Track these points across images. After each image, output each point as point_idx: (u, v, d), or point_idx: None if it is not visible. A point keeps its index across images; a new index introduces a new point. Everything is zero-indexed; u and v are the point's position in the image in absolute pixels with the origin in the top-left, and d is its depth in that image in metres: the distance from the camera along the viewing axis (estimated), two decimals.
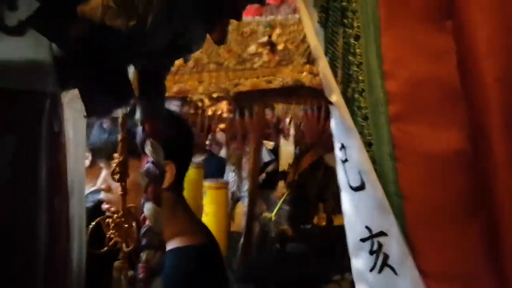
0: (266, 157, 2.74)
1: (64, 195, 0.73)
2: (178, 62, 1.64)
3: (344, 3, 0.82)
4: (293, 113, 1.94)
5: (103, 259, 0.87)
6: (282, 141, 2.54)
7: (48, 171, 0.65)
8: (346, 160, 0.84)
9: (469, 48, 0.77)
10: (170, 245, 1.09)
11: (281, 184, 2.23)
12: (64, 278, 0.74)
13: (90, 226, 0.92)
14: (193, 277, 1.04)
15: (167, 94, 1.65)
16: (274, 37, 1.71)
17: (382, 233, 0.80)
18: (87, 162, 1.58)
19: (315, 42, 0.83)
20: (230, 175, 2.14)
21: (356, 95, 0.82)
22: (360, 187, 0.81)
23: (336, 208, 2.08)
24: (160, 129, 0.69)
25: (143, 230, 0.73)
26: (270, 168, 2.75)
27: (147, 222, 0.71)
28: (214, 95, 2.01)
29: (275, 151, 2.77)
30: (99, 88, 0.63)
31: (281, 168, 2.58)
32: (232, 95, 1.87)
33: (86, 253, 0.82)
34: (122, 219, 0.92)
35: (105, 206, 1.12)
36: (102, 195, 1.18)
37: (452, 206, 0.78)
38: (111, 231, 0.91)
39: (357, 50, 0.81)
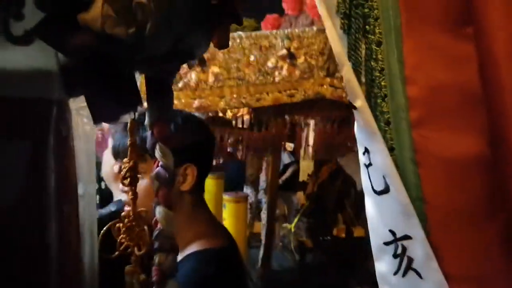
0: (286, 159, 2.73)
1: (74, 200, 0.74)
2: (198, 77, 1.64)
3: (366, 10, 0.83)
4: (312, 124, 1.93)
5: (115, 264, 0.87)
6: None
7: (57, 177, 0.66)
8: (370, 164, 0.86)
9: (488, 52, 0.77)
10: (190, 248, 1.09)
11: (300, 194, 2.22)
12: (77, 283, 0.74)
13: (102, 232, 0.92)
14: (213, 280, 1.04)
15: (188, 110, 1.65)
16: (292, 50, 1.70)
17: (406, 237, 0.82)
18: (116, 168, 1.58)
19: (339, 48, 0.84)
20: (248, 188, 2.13)
21: (379, 100, 0.83)
22: (384, 191, 0.83)
23: (355, 218, 2.08)
24: (169, 133, 0.69)
25: (155, 233, 0.73)
26: (290, 170, 2.74)
27: (158, 225, 0.72)
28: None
29: (295, 153, 2.75)
30: (106, 94, 0.64)
31: (302, 170, 2.57)
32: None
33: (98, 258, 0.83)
34: (133, 223, 0.92)
35: (126, 208, 1.12)
36: (124, 198, 1.18)
37: (472, 209, 0.78)
38: (122, 235, 0.92)
39: (379, 56, 0.83)
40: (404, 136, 0.81)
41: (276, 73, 1.68)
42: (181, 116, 1.12)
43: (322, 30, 1.73)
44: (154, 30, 0.54)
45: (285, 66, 1.69)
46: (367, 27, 0.83)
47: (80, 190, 0.77)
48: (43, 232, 0.65)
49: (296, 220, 2.02)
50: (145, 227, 0.90)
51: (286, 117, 1.95)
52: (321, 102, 1.80)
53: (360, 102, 0.83)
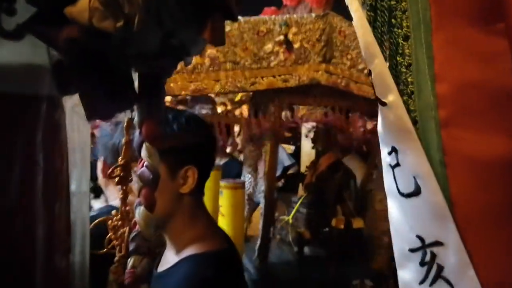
0: (286, 161, 2.72)
1: (65, 198, 0.72)
2: (195, 60, 1.65)
3: (392, 2, 0.79)
4: (313, 114, 1.93)
5: (104, 261, 0.86)
6: (303, 143, 2.53)
7: (46, 174, 0.65)
8: (397, 165, 0.81)
9: None
10: (188, 251, 1.08)
11: (300, 186, 2.21)
12: (66, 281, 0.73)
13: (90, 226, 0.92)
14: (211, 283, 1.03)
15: (184, 93, 1.66)
16: (290, 36, 1.71)
17: (437, 243, 0.76)
18: (100, 165, 1.59)
19: (371, 38, 0.80)
20: (246, 177, 2.12)
21: (405, 98, 0.79)
22: (414, 193, 0.78)
23: (354, 210, 2.05)
24: (157, 133, 0.68)
25: (132, 234, 0.72)
26: (290, 171, 2.73)
27: (137, 227, 0.70)
28: (236, 99, 2.02)
29: (295, 155, 2.75)
30: (99, 91, 0.63)
31: (302, 165, 2.56)
32: (249, 93, 1.88)
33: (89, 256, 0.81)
34: (119, 222, 0.92)
35: (126, 207, 1.12)
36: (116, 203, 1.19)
37: (504, 211, 0.73)
38: (110, 233, 0.91)
39: (406, 51, 0.78)
40: (432, 136, 0.76)
41: (272, 58, 1.69)
42: (183, 116, 1.12)
43: (320, 17, 1.74)
44: (142, 24, 0.53)
45: (281, 52, 1.70)
46: (393, 20, 0.79)
47: (72, 188, 0.77)
48: (30, 230, 0.64)
49: (294, 211, 2.00)
50: (127, 228, 0.90)
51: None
52: (316, 88, 1.80)
53: (392, 96, 0.79)
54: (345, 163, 2.15)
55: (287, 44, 1.71)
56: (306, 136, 2.07)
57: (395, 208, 0.83)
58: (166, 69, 0.69)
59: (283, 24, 1.71)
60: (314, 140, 2.03)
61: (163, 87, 0.71)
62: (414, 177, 0.77)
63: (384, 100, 0.80)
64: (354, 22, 0.83)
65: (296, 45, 1.72)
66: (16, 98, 0.63)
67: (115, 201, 1.44)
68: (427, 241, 0.77)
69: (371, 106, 1.87)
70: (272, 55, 1.71)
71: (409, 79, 0.78)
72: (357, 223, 1.99)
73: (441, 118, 0.74)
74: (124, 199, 0.92)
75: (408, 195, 0.78)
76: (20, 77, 0.64)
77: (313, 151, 2.23)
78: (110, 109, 0.67)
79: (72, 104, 0.73)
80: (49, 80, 0.64)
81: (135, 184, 1.05)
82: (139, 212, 0.66)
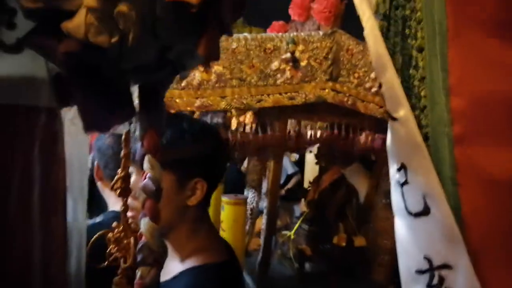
0: (290, 169, 2.72)
1: (61, 211, 0.72)
2: (201, 77, 1.65)
3: (407, 12, 0.77)
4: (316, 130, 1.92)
5: (107, 274, 0.86)
6: (307, 153, 2.52)
7: (43, 187, 0.65)
8: (405, 183, 0.78)
9: None
10: (190, 262, 1.08)
11: (302, 202, 2.20)
12: None
13: (91, 241, 0.92)
14: None
15: (189, 109, 1.65)
16: (297, 54, 1.71)
17: (445, 266, 0.73)
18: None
19: (383, 49, 0.77)
20: (250, 192, 2.11)
21: (417, 112, 0.76)
22: (423, 213, 0.75)
23: (356, 228, 2.04)
24: (159, 145, 0.68)
25: (139, 246, 0.72)
26: (293, 180, 2.73)
27: (143, 238, 0.71)
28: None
29: (299, 163, 2.74)
30: (97, 103, 0.63)
31: (306, 181, 2.55)
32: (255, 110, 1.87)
33: (86, 268, 0.81)
34: (122, 234, 0.92)
35: (129, 213, 1.12)
36: (129, 201, 1.18)
37: None
38: (111, 245, 0.91)
39: (420, 63, 0.75)
40: (444, 153, 0.73)
41: (278, 75, 1.68)
42: (196, 127, 1.11)
43: (328, 35, 1.73)
44: (137, 39, 0.54)
45: (288, 69, 1.69)
46: (407, 30, 0.77)
47: (69, 201, 0.76)
48: (26, 244, 0.63)
49: (296, 227, 1.99)
50: (131, 239, 0.90)
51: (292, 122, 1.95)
52: (323, 106, 1.79)
53: (403, 111, 0.76)
54: (348, 175, 2.13)
55: (294, 61, 1.70)
56: (310, 152, 2.06)
57: (403, 227, 0.80)
58: (163, 82, 0.70)
59: (290, 42, 1.70)
60: (317, 156, 2.02)
61: (162, 100, 0.72)
62: (424, 196, 0.74)
63: (395, 115, 0.77)
64: (365, 32, 0.79)
65: (303, 63, 1.71)
66: (14, 110, 0.64)
67: (117, 206, 1.44)
68: (436, 264, 0.74)
69: (377, 124, 1.86)
70: (279, 72, 1.70)
71: (421, 93, 0.75)
72: (359, 241, 1.98)
73: (455, 134, 0.72)
74: (125, 212, 0.92)
75: (416, 215, 0.76)
76: (19, 88, 0.64)
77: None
78: (108, 121, 0.67)
79: (71, 116, 0.73)
80: (48, 92, 0.65)
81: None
82: (145, 224, 0.66)
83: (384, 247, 2.03)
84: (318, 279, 1.97)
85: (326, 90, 1.72)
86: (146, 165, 0.67)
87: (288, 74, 1.70)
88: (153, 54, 0.59)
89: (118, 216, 1.00)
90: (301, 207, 2.24)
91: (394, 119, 0.78)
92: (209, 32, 0.61)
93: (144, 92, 0.68)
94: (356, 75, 1.77)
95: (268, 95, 1.67)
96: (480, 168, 0.71)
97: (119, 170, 0.91)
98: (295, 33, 1.73)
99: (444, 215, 0.72)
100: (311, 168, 2.33)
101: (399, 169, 0.79)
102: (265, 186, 2.08)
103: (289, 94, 1.70)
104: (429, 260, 0.75)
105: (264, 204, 1.90)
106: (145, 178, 0.69)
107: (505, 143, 0.70)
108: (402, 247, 0.81)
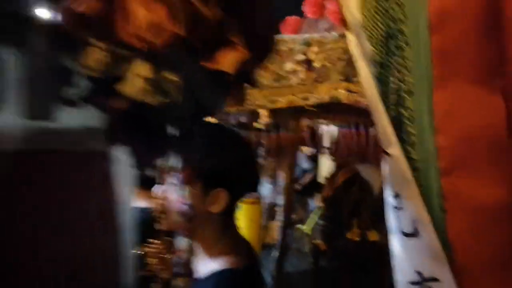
0: (305, 164, 2.74)
1: (114, 230, 0.94)
2: None
3: (399, 59, 0.85)
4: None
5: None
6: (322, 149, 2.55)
7: (101, 213, 0.87)
8: (400, 208, 0.89)
9: None
10: (213, 265, 1.12)
11: (317, 197, 2.24)
12: None
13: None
14: None
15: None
16: (311, 55, 1.72)
17: (434, 279, 0.83)
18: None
19: (374, 93, 0.87)
20: (266, 187, 2.16)
21: (408, 147, 0.85)
22: (414, 234, 0.85)
23: (370, 223, 2.07)
24: (193, 178, 0.83)
25: (176, 259, 0.80)
26: (308, 175, 2.75)
27: (180, 253, 0.79)
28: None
29: (314, 159, 2.76)
30: (142, 145, 0.82)
31: (320, 175, 2.58)
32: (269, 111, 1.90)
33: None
34: (163, 249, 1.03)
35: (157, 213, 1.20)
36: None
37: (499, 257, 0.78)
38: (151, 258, 1.02)
39: (409, 104, 0.84)
40: (432, 183, 0.82)
41: (292, 77, 1.70)
42: (221, 136, 1.14)
43: (342, 36, 1.73)
44: (181, 100, 0.71)
45: (302, 71, 1.71)
46: (398, 75, 0.86)
47: (119, 222, 0.95)
48: (89, 258, 0.87)
49: (312, 224, 2.03)
50: (169, 256, 1.01)
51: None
52: (337, 106, 1.81)
53: (393, 150, 0.86)
54: (363, 171, 2.16)
55: (308, 63, 1.72)
56: (326, 148, 2.08)
57: (397, 245, 0.90)
58: (194, 124, 0.87)
59: (304, 44, 1.71)
60: (332, 153, 2.05)
61: (196, 138, 0.88)
62: (414, 221, 0.84)
63: (388, 151, 0.87)
64: (360, 78, 0.90)
65: (317, 64, 1.72)
66: (75, 154, 0.86)
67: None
68: (426, 276, 0.84)
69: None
70: (292, 74, 1.72)
71: (411, 131, 0.84)
72: (373, 236, 2.01)
73: (441, 167, 0.80)
74: (169, 248, 1.05)
75: (408, 235, 0.86)
76: (77, 136, 0.86)
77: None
78: (150, 158, 0.86)
79: (120, 153, 0.94)
80: (101, 137, 0.83)
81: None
82: (182, 242, 0.82)
83: None
84: (333, 274, 2.02)
85: (340, 90, 1.73)
86: (186, 193, 0.81)
87: (301, 75, 1.72)
88: (191, 110, 0.74)
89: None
90: (316, 202, 2.28)
91: (388, 154, 0.88)
92: (238, 87, 0.77)
93: (181, 133, 0.85)
94: None
95: (282, 96, 1.70)
96: (465, 196, 0.79)
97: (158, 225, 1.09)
98: (308, 35, 1.74)
99: (431, 238, 0.82)
100: (325, 163, 2.35)
101: (394, 196, 0.91)
102: (280, 180, 2.12)
103: (302, 94, 1.72)
104: (419, 274, 0.85)
105: (278, 197, 1.94)
106: (180, 203, 0.84)
107: (486, 175, 0.78)
108: (397, 262, 0.92)
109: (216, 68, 0.77)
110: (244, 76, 0.73)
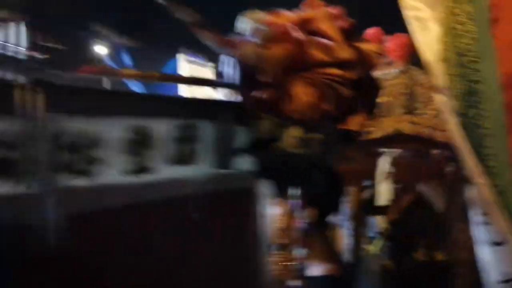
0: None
1: (258, 250, 1.34)
2: None
3: (475, 111, 1.11)
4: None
5: None
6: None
7: (251, 236, 1.31)
8: (488, 223, 1.23)
9: None
10: (312, 271, 1.42)
11: (378, 217, 2.33)
12: None
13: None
14: None
15: None
16: None
17: None
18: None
19: (460, 137, 1.12)
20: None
21: (491, 176, 1.10)
22: (501, 243, 1.20)
23: (436, 243, 2.15)
24: (316, 216, 1.39)
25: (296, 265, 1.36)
26: (368, 192, 2.82)
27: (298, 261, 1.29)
28: None
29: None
30: (284, 180, 1.30)
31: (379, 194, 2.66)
32: None
33: None
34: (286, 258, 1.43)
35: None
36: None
37: None
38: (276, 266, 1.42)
39: (489, 144, 1.10)
40: None
41: None
42: (320, 175, 1.37)
43: (403, 71, 1.84)
44: (319, 151, 1.16)
45: None
46: (478, 123, 1.11)
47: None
48: (247, 274, 1.30)
49: (380, 244, 2.14)
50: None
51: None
52: (400, 136, 1.92)
53: (479, 179, 1.12)
54: (425, 192, 2.24)
55: None
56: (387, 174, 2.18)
57: (487, 252, 1.25)
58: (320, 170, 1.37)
59: None
60: (395, 179, 2.15)
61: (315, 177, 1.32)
62: (501, 233, 1.15)
63: (474, 181, 1.15)
64: (449, 128, 1.18)
65: (381, 100, 1.83)
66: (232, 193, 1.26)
67: None
68: None
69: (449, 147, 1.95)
70: None
71: (493, 164, 1.11)
72: (439, 256, 2.10)
73: None
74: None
75: (497, 244, 1.22)
76: (240, 178, 1.26)
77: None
78: (285, 189, 1.35)
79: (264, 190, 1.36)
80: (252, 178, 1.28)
81: None
82: (298, 252, 1.27)
83: (460, 259, 2.13)
84: None
85: (403, 123, 1.84)
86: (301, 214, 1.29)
87: None
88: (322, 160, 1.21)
89: None
90: (377, 222, 2.36)
91: (474, 183, 1.16)
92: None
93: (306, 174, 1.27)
94: (432, 106, 1.88)
95: None
96: None
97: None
98: None
99: None
100: (383, 186, 2.43)
101: (483, 214, 1.25)
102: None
103: (368, 129, 1.84)
104: (507, 274, 1.21)
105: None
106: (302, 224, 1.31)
107: None
108: (488, 266, 1.26)
109: (346, 128, 1.20)
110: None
